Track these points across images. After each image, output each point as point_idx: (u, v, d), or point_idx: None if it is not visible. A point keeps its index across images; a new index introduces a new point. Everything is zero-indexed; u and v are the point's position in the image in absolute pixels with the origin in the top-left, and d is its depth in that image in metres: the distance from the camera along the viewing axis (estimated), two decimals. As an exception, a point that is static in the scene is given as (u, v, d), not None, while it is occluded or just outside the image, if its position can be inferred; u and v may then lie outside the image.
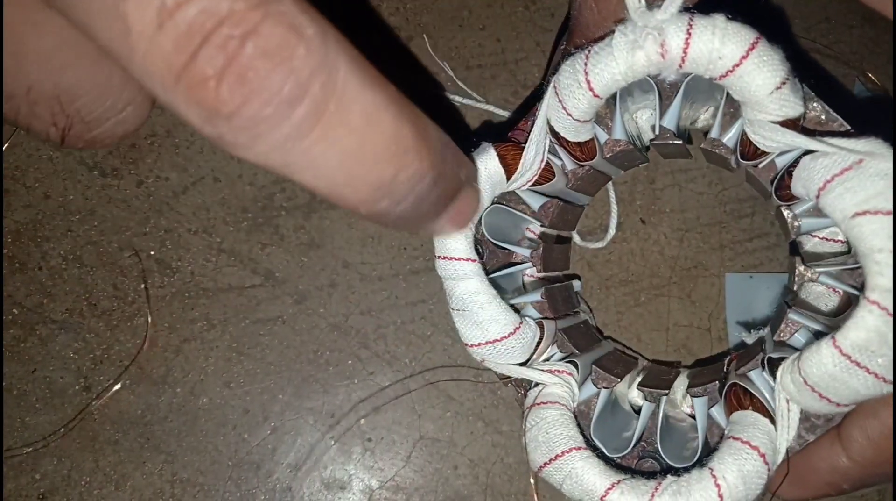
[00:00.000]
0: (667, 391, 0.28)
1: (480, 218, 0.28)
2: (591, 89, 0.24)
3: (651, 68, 0.24)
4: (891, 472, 0.23)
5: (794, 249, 0.27)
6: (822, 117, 0.25)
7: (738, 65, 0.22)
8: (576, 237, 0.36)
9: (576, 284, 0.35)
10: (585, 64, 0.24)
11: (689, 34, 0.22)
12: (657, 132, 0.27)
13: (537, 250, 0.31)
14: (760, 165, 0.26)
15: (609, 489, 0.24)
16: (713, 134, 0.27)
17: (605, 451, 0.27)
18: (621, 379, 0.29)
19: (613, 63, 0.24)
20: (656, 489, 0.24)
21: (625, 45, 0.23)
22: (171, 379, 0.35)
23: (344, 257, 0.36)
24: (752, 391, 0.25)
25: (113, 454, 0.35)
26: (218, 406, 0.35)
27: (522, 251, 0.30)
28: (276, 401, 0.35)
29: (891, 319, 0.21)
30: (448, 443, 0.35)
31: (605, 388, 0.29)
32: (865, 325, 0.21)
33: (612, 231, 0.35)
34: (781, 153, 0.25)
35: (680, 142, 0.27)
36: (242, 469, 0.35)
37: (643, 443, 0.28)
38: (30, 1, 0.14)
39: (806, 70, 0.35)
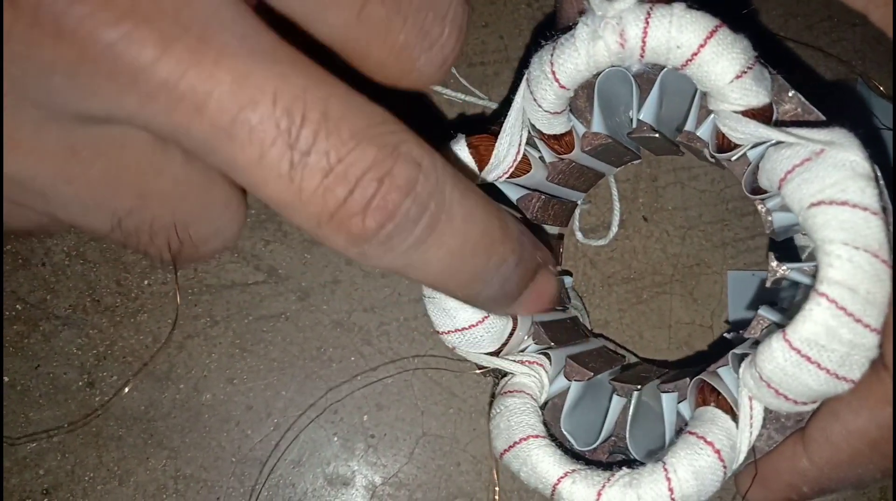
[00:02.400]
0: (639, 387, 0.28)
1: None
2: (556, 80, 0.24)
3: (612, 58, 0.24)
4: (851, 477, 0.23)
5: (772, 244, 0.27)
6: (799, 110, 0.25)
7: (696, 53, 0.22)
8: (578, 235, 0.36)
9: (567, 280, 0.35)
10: (552, 55, 0.24)
11: (647, 24, 0.22)
12: (634, 125, 0.27)
13: None
14: (733, 158, 0.26)
15: (561, 477, 0.24)
16: (688, 127, 0.26)
17: (574, 444, 0.27)
18: (595, 374, 0.29)
19: (576, 54, 0.24)
20: (608, 480, 0.24)
21: (586, 36, 0.23)
22: (174, 376, 0.35)
23: (347, 255, 0.36)
24: (719, 389, 0.25)
25: (116, 449, 0.35)
26: (221, 403, 0.35)
27: None
28: (279, 397, 0.35)
29: (840, 312, 0.20)
30: (451, 440, 0.35)
31: (577, 380, 0.29)
32: (814, 318, 0.20)
33: (614, 229, 0.35)
34: (754, 146, 0.25)
35: (657, 135, 0.27)
36: (246, 465, 0.35)
37: (614, 438, 0.28)
38: (150, 145, 0.16)
39: (795, 66, 0.36)
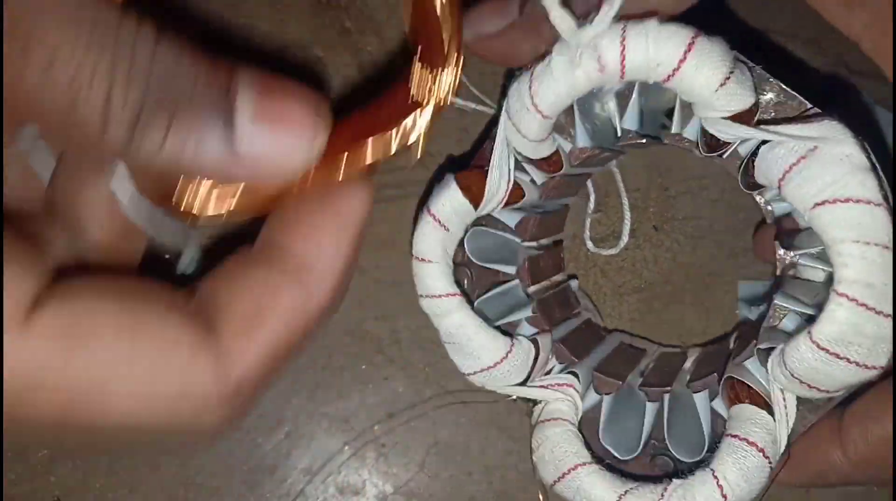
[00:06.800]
0: (669, 388, 0.29)
1: (463, 243, 0.28)
2: (539, 111, 0.24)
3: (593, 83, 0.23)
4: (881, 476, 0.24)
5: (776, 235, 0.27)
6: (781, 97, 0.24)
7: (677, 69, 0.22)
8: (589, 244, 0.36)
9: (573, 283, 0.35)
10: (530, 87, 0.24)
11: (623, 45, 0.22)
12: (620, 135, 0.27)
13: (522, 265, 0.31)
14: (725, 156, 0.26)
15: None
16: (674, 129, 0.26)
17: (616, 455, 0.28)
18: (624, 381, 0.29)
19: (555, 84, 0.23)
20: (662, 495, 0.25)
21: (563, 66, 0.23)
22: (185, 383, 0.35)
23: (358, 263, 0.36)
24: (749, 382, 0.25)
25: (127, 457, 0.35)
26: (232, 411, 0.35)
27: (509, 269, 0.31)
28: (291, 406, 0.35)
29: (861, 309, 0.21)
30: (462, 449, 0.35)
31: (607, 393, 0.29)
32: (837, 318, 0.21)
33: (624, 238, 0.35)
34: (743, 142, 0.25)
35: (644, 140, 0.27)
36: (256, 474, 0.35)
37: (654, 441, 0.28)
38: None
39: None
